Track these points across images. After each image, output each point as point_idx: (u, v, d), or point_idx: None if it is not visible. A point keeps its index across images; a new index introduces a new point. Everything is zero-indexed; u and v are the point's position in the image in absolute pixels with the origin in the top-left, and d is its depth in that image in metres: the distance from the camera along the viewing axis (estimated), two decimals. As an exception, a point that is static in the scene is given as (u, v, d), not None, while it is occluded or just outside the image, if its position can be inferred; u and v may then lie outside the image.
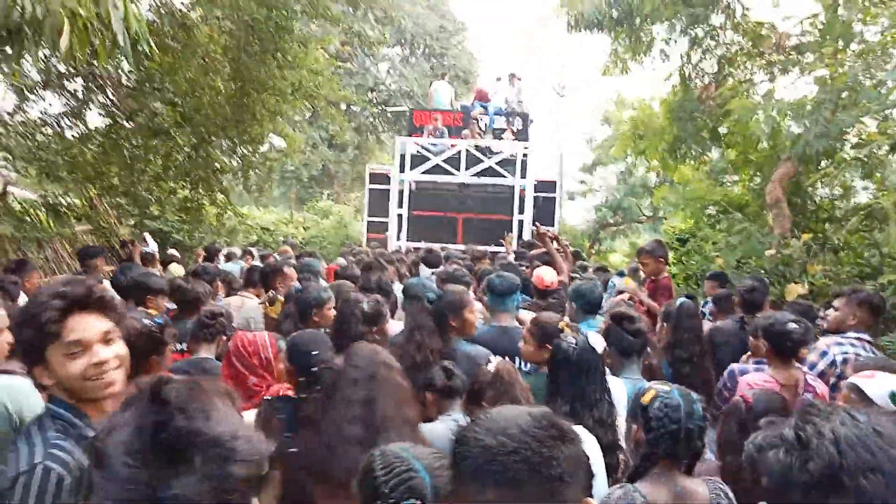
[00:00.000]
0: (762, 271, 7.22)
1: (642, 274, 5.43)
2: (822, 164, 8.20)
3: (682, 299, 4.16)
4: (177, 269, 8.03)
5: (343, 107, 32.72)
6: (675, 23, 10.34)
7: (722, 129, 10.69)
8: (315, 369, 2.47)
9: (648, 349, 3.48)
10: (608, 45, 11.35)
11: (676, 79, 11.09)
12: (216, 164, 9.52)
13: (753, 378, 3.31)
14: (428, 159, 12.99)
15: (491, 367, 2.75)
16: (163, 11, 8.32)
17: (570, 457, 1.14)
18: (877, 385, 2.54)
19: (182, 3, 8.49)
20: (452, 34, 30.99)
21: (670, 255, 13.54)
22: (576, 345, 2.67)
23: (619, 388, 2.91)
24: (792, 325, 3.28)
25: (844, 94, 6.67)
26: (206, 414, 1.11)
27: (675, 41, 10.46)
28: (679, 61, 11.08)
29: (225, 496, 1.05)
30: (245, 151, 9.44)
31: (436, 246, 9.08)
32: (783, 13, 10.55)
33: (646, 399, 2.09)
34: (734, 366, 3.72)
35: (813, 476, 1.01)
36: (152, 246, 8.22)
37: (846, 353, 3.69)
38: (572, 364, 2.63)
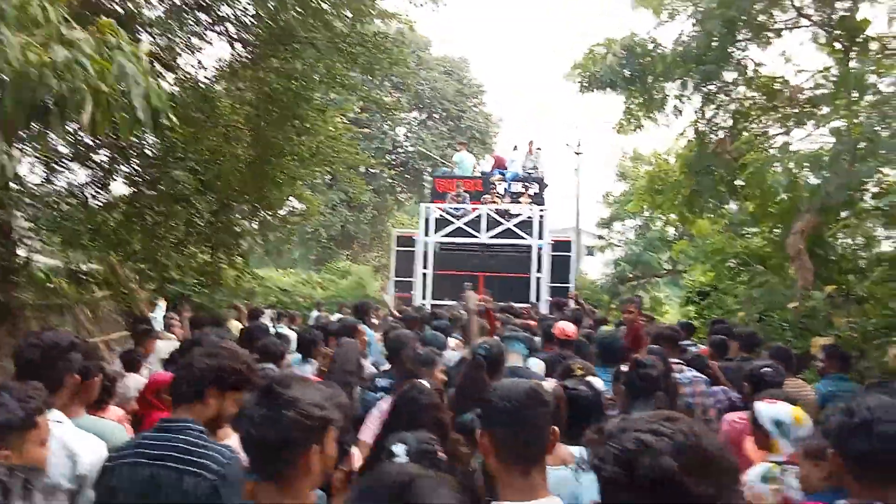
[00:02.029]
0: (785, 324, 7.07)
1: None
2: (843, 214, 8.09)
3: None
4: (235, 326, 8.03)
5: (362, 169, 33.45)
6: (687, 80, 10.47)
7: (739, 182, 10.68)
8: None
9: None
10: (621, 102, 11.52)
11: (691, 134, 11.18)
12: (236, 229, 9.66)
13: (733, 416, 3.75)
14: (451, 222, 14.00)
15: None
16: (186, 85, 8.63)
17: None
18: (768, 410, 2.91)
19: (206, 77, 8.78)
20: (469, 97, 31.71)
21: (691, 308, 13.51)
22: (574, 388, 2.90)
23: None
24: (766, 369, 3.77)
25: (862, 145, 6.63)
26: None
27: (689, 98, 10.55)
28: (692, 116, 11.18)
29: None
30: (265, 215, 9.59)
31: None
32: (795, 68, 10.69)
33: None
34: None
35: None
36: (158, 312, 8.20)
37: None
38: (571, 403, 2.80)
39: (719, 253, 11.60)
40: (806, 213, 8.03)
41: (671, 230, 23.40)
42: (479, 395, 3.47)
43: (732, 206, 12.49)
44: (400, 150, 33.14)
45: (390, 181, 33.13)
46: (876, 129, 6.37)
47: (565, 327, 5.35)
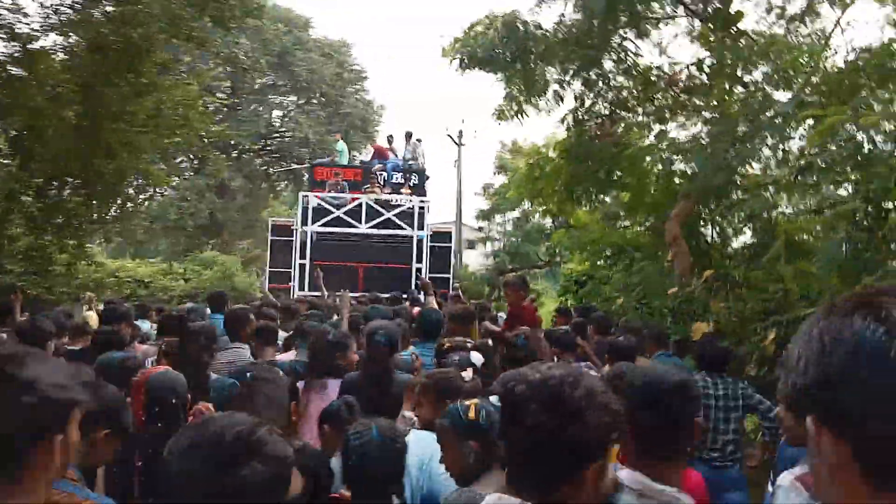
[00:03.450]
0: (665, 310, 6.91)
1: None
2: (714, 205, 8.14)
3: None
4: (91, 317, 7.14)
5: (235, 154, 31.45)
6: (567, 66, 10.27)
7: (617, 173, 10.66)
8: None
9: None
10: (503, 89, 11.17)
11: (570, 122, 11.03)
12: (67, 206, 8.30)
13: None
14: (330, 212, 13.82)
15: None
16: (2, 36, 7.25)
17: None
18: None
19: (28, 26, 7.41)
20: (349, 83, 30.63)
21: (570, 297, 13.54)
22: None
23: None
24: (620, 339, 4.54)
25: (741, 129, 6.58)
26: None
27: (570, 83, 10.36)
28: (572, 105, 11.04)
29: None
30: (97, 191, 8.22)
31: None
32: (669, 59, 10.81)
33: (471, 414, 2.22)
34: None
35: None
36: None
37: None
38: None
39: (596, 243, 11.55)
40: (682, 199, 7.99)
41: (549, 222, 23.75)
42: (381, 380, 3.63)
43: (609, 197, 12.64)
44: (276, 135, 31.52)
45: (264, 167, 31.45)
46: (756, 108, 6.28)
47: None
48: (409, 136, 16.69)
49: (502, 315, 8.07)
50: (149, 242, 29.70)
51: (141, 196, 10.09)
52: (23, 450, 1.33)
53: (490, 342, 4.87)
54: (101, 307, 8.21)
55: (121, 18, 6.22)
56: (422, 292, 9.50)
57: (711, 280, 6.84)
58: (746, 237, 10.95)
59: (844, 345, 0.73)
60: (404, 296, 9.91)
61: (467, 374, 3.10)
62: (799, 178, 8.17)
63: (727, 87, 9.25)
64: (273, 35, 26.60)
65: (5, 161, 7.79)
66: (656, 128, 10.62)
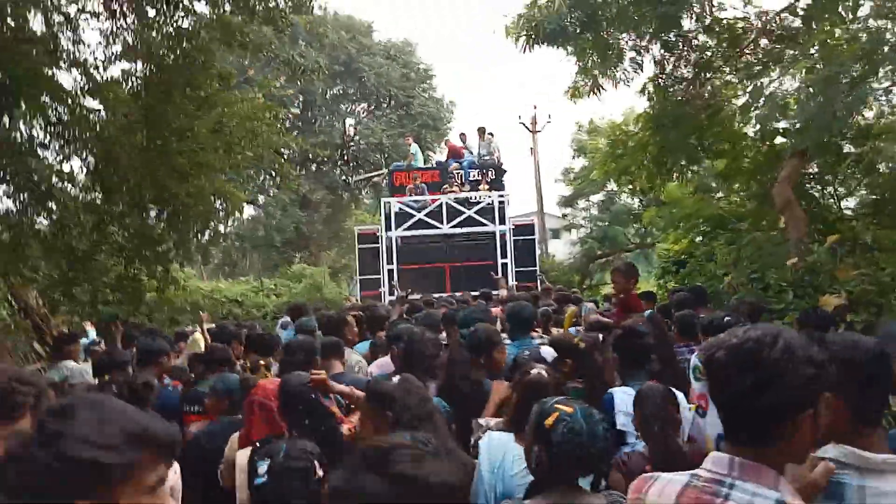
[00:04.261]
0: (783, 284, 6.12)
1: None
2: (832, 159, 7.20)
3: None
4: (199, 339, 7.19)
5: (314, 168, 32.00)
6: (644, 30, 9.51)
7: (708, 141, 9.81)
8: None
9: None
10: (574, 66, 10.51)
11: (651, 90, 10.24)
12: (151, 233, 8.36)
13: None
14: (412, 216, 13.97)
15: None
16: (78, 72, 7.35)
17: None
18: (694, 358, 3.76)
19: (93, 57, 7.47)
20: (417, 82, 30.46)
21: (669, 279, 12.67)
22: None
23: (629, 394, 3.18)
24: (727, 319, 4.01)
25: (853, 71, 5.72)
26: None
27: (648, 48, 9.59)
28: (651, 72, 10.26)
29: None
30: (175, 214, 8.24)
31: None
32: (755, 8, 9.85)
33: (549, 422, 2.08)
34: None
35: None
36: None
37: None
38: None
39: (692, 217, 10.69)
40: (791, 159, 7.13)
41: (636, 202, 22.67)
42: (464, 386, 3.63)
43: (701, 168, 11.70)
44: (351, 143, 31.81)
45: (343, 177, 31.79)
46: (884, 36, 5.41)
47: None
48: (482, 131, 16.55)
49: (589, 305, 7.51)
50: (240, 261, 30.68)
51: (229, 217, 10.06)
52: None
53: (590, 337, 4.38)
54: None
55: (176, 33, 6.11)
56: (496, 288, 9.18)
57: (836, 246, 6.00)
58: (860, 195, 9.89)
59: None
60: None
61: (534, 371, 2.94)
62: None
63: (828, 28, 8.30)
64: (337, 43, 26.80)
65: (88, 195, 7.88)
66: (748, 85, 9.76)
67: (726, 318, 4.01)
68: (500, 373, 3.76)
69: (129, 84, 7.41)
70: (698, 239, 11.11)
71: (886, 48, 5.94)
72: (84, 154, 7.77)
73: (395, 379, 3.11)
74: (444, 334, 5.02)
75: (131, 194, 7.48)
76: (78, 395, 1.51)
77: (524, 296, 7.41)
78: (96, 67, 7.04)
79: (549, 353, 3.50)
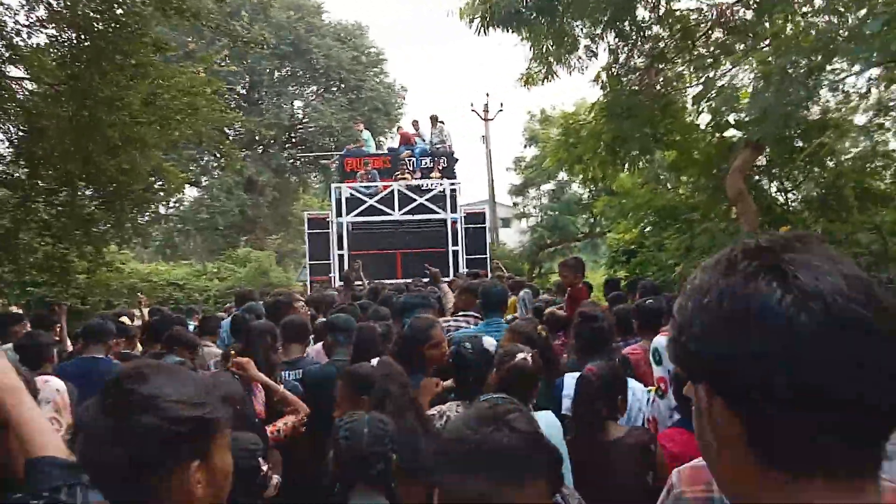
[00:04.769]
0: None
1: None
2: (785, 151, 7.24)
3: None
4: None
5: (260, 149, 31.10)
6: (599, 17, 9.41)
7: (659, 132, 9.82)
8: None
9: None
10: (528, 51, 10.37)
11: (605, 79, 10.18)
12: (81, 211, 7.84)
13: (627, 349, 4.06)
14: (363, 202, 14.06)
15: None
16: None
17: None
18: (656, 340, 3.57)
19: (16, 23, 6.89)
20: (368, 66, 29.91)
21: (618, 269, 12.76)
22: (471, 349, 2.94)
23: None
24: (650, 302, 4.18)
25: (806, 61, 5.71)
26: None
27: (603, 36, 9.50)
28: (605, 60, 10.19)
29: None
30: (113, 192, 7.72)
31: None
32: (709, 2, 9.88)
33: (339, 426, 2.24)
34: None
35: None
36: None
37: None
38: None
39: (643, 207, 10.70)
40: (745, 150, 7.13)
41: (586, 192, 22.81)
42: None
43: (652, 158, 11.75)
44: (299, 126, 31.07)
45: (291, 160, 31.04)
46: (835, 28, 5.40)
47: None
48: (434, 119, 16.52)
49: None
50: (182, 244, 29.69)
51: (168, 197, 9.57)
52: (149, 480, 1.13)
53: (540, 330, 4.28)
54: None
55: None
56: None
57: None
58: (805, 188, 10.08)
59: (748, 315, 0.68)
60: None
61: (520, 356, 2.85)
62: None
63: (780, 21, 8.36)
64: (286, 23, 26.04)
65: (10, 170, 7.32)
66: (701, 77, 9.80)
67: (648, 302, 4.24)
68: (435, 368, 3.51)
69: (56, 52, 6.88)
70: (647, 229, 11.16)
71: (839, 40, 5.94)
72: (6, 126, 7.20)
73: (374, 362, 3.07)
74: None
75: (57, 169, 6.94)
76: (140, 363, 1.32)
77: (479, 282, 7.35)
78: (18, 33, 6.48)
79: (490, 343, 3.16)
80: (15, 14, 6.42)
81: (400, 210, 14.06)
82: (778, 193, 9.44)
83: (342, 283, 12.11)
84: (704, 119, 9.67)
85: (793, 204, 8.76)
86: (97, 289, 9.96)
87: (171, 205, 12.55)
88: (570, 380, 3.26)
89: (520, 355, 2.81)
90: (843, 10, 7.05)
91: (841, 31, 6.54)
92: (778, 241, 0.72)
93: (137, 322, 7.43)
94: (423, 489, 2.11)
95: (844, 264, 0.69)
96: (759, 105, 5.51)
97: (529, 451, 1.24)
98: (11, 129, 7.14)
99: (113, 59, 5.95)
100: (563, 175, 24.06)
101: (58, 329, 6.19)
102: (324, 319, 5.14)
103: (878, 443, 0.69)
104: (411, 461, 2.29)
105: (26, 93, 7.13)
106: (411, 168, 15.59)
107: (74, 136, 6.20)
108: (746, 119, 7.53)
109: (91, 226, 8.19)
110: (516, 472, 1.22)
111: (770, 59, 7.45)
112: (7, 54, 6.59)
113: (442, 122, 16.54)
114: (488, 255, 15.08)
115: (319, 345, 4.62)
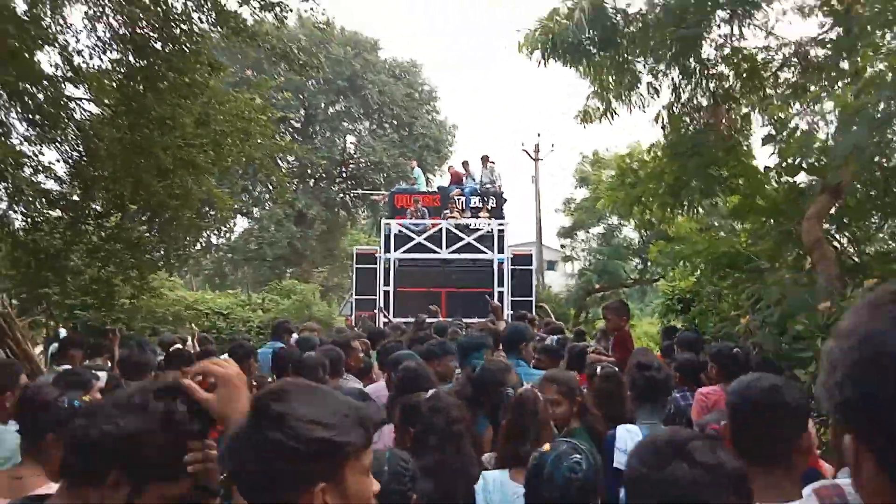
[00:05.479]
0: (813, 330, 5.58)
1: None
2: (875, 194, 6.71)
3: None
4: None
5: (311, 182, 31.52)
6: (663, 52, 9.10)
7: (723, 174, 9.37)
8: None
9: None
10: (588, 87, 10.11)
11: (665, 118, 9.81)
12: (129, 235, 7.78)
13: (705, 389, 4.28)
14: (411, 238, 14.09)
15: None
16: (59, 55, 6.82)
17: None
18: None
19: (76, 46, 6.95)
20: (421, 103, 30.18)
21: (672, 318, 12.14)
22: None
23: (635, 433, 3.17)
24: (736, 350, 4.45)
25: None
26: None
27: (666, 72, 9.17)
28: (667, 99, 9.84)
29: None
30: (168, 219, 7.67)
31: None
32: (777, 41, 9.48)
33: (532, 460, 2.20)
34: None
35: None
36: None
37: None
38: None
39: (703, 253, 10.15)
40: (822, 195, 6.64)
41: (637, 236, 22.21)
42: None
43: (712, 203, 11.25)
44: (351, 161, 31.42)
45: (341, 195, 31.30)
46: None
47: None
48: (485, 159, 16.70)
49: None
50: (231, 273, 30.05)
51: (220, 227, 9.58)
52: (282, 496, 1.14)
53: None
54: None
55: (165, 15, 5.60)
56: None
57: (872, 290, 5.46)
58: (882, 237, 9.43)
59: (891, 358, 0.67)
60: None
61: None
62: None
63: (860, 61, 7.89)
64: (342, 58, 26.51)
65: (64, 188, 7.33)
66: (768, 119, 9.37)
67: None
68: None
69: (117, 74, 6.91)
70: (704, 278, 10.59)
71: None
72: (63, 146, 7.23)
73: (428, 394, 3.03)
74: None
75: (109, 191, 6.90)
76: (286, 381, 1.34)
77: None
78: (79, 52, 6.53)
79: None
80: (77, 33, 6.47)
81: (447, 248, 14.08)
82: (849, 245, 8.81)
83: (384, 321, 12.14)
84: (769, 162, 9.19)
85: (864, 257, 8.14)
86: (140, 314, 9.89)
87: (222, 234, 12.54)
88: (623, 433, 3.22)
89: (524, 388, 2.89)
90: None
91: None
92: None
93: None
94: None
95: None
96: (847, 145, 5.06)
97: (712, 483, 1.21)
98: (69, 149, 7.14)
99: (167, 77, 5.90)
100: (613, 219, 23.57)
101: (107, 358, 6.11)
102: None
103: None
104: (443, 496, 2.32)
105: (85, 114, 7.13)
106: (461, 207, 15.65)
107: (126, 158, 6.15)
108: (822, 163, 7.04)
109: (139, 250, 8.12)
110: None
111: (850, 98, 6.99)
112: (69, 74, 6.62)
113: (493, 163, 16.67)
114: (534, 298, 15.02)
115: (381, 382, 4.68)
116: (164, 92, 5.99)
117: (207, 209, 7.96)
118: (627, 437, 3.19)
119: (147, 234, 8.23)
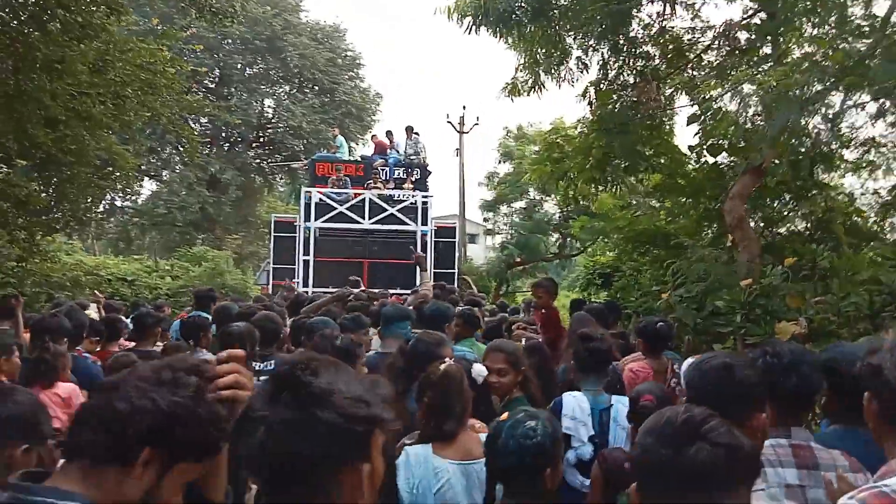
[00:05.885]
0: (735, 307, 5.67)
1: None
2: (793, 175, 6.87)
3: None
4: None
5: (226, 147, 30.09)
6: (595, 28, 9.02)
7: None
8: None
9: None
10: (517, 59, 9.94)
11: (592, 94, 9.78)
12: (19, 193, 6.99)
13: (633, 365, 4.34)
14: (333, 208, 13.83)
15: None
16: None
17: None
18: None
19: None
20: (344, 69, 29.26)
21: (593, 291, 12.35)
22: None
23: (581, 400, 3.35)
24: (660, 324, 4.47)
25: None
26: None
27: (596, 48, 9.10)
28: (595, 75, 9.80)
29: None
30: (67, 178, 6.91)
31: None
32: (702, 23, 9.60)
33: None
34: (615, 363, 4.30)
35: None
36: None
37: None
38: None
39: (624, 229, 10.31)
40: (744, 175, 6.74)
41: (558, 211, 22.51)
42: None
43: (635, 180, 11.41)
44: (269, 126, 30.21)
45: (257, 160, 30.11)
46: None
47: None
48: (409, 130, 16.51)
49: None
50: (137, 238, 28.47)
51: (124, 188, 8.84)
52: (324, 478, 1.09)
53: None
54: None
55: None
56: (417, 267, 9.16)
57: (788, 271, 5.59)
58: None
59: None
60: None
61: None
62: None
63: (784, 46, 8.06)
64: (261, 17, 25.26)
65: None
66: (691, 99, 9.51)
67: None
68: None
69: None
70: (627, 253, 10.77)
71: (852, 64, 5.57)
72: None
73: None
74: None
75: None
76: (307, 353, 1.30)
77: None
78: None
79: (481, 371, 3.11)
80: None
81: (370, 219, 13.93)
82: (762, 224, 9.11)
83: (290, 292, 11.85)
84: (692, 142, 9.35)
85: (776, 237, 8.43)
86: (31, 279, 9.04)
87: (126, 196, 11.65)
88: (569, 399, 3.32)
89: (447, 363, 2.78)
90: (850, 39, 6.76)
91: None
92: None
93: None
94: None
95: None
96: (779, 126, 5.09)
97: (730, 464, 1.22)
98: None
99: (56, 14, 5.18)
100: (535, 194, 23.78)
101: (12, 323, 5.54)
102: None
103: None
104: None
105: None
106: (384, 178, 15.49)
107: (7, 104, 5.42)
108: (743, 144, 7.16)
109: (27, 209, 7.33)
110: (717, 486, 1.21)
111: (773, 82, 7.13)
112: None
113: (417, 134, 16.65)
114: (457, 270, 15.27)
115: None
116: (53, 32, 5.28)
117: (110, 169, 7.25)
118: (574, 403, 3.29)
119: (39, 193, 7.43)
